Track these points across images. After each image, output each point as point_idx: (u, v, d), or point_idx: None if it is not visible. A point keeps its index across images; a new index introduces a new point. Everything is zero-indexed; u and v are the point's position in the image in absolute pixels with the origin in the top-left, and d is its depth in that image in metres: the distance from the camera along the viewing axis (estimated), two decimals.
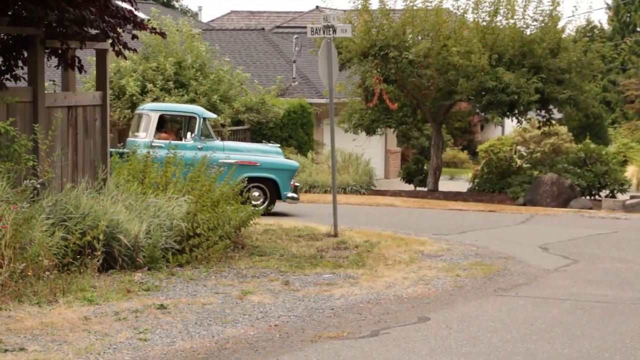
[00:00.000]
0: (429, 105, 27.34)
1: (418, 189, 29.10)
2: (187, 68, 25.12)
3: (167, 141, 18.84)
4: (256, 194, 19.10)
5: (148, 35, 21.35)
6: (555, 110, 28.59)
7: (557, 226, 19.35)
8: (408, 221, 19.44)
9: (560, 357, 7.76)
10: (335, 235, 14.81)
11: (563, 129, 35.93)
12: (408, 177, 29.90)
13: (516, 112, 26.75)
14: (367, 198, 25.61)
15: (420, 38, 26.61)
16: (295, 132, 29.80)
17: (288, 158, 22.66)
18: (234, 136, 27.88)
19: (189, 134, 19.19)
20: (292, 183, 19.35)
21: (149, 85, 24.61)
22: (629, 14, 61.28)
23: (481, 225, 18.94)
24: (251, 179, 18.81)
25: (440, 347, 8.06)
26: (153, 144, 18.94)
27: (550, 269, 12.91)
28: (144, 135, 19.13)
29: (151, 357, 7.53)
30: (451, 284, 11.32)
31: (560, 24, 26.75)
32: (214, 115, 20.38)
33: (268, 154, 19.77)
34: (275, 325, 8.78)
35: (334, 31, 15.53)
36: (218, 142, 19.46)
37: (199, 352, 7.75)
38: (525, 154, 31.34)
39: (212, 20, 49.63)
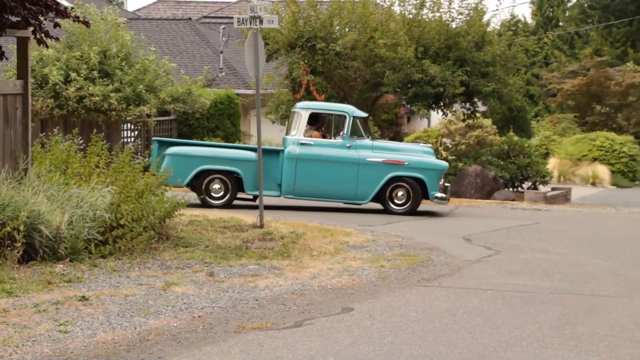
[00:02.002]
0: (355, 96, 27.44)
1: None
2: (112, 57, 24.80)
3: (317, 139, 19.10)
4: (400, 193, 19.06)
5: (72, 23, 21.01)
6: (479, 103, 28.92)
7: (480, 217, 19.60)
8: (334, 212, 19.49)
9: (480, 346, 7.87)
10: (261, 226, 14.79)
11: (487, 122, 36.34)
12: None
13: (441, 104, 27.01)
14: None
15: (347, 30, 26.69)
16: (222, 123, 29.65)
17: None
18: (160, 126, 27.65)
19: (341, 132, 19.21)
20: (441, 183, 19.16)
21: (73, 74, 24.26)
22: (551, 9, 62.26)
23: (406, 217, 19.08)
24: (397, 178, 18.95)
25: (363, 337, 8.11)
26: (301, 142, 19.14)
27: (472, 259, 13.08)
28: (294, 133, 19.34)
29: (71, 349, 7.45)
30: (375, 275, 11.39)
31: (485, 18, 27.08)
32: (364, 114, 20.33)
33: (417, 154, 19.59)
34: (199, 317, 8.74)
35: (261, 22, 15.49)
36: (367, 141, 19.34)
37: (120, 343, 7.69)
38: (450, 145, 31.63)
39: (138, 10, 49.13)
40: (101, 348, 7.52)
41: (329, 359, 7.33)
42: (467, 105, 28.03)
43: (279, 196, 19.21)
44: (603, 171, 36.00)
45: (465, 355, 7.51)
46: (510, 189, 26.77)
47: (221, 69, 33.42)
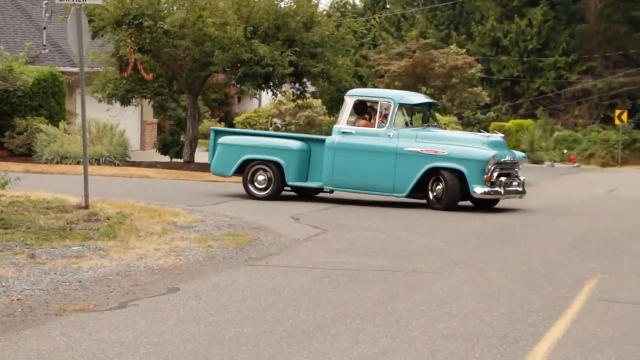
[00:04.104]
0: (185, 76, 27.21)
1: (174, 160, 28.98)
2: None
3: (359, 128, 17.97)
4: (439, 186, 17.48)
5: None
6: (309, 84, 29.20)
7: (310, 197, 19.78)
8: (162, 193, 19.31)
9: (304, 323, 7.95)
10: (87, 207, 14.48)
11: (317, 102, 36.78)
12: (164, 149, 29.71)
13: (271, 84, 27.13)
14: (122, 169, 25.25)
15: (175, 8, 26.41)
16: (46, 101, 28.83)
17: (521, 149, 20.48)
18: None
19: (384, 121, 17.97)
20: (487, 176, 17.27)
21: None
22: None
23: (236, 196, 19.09)
24: (437, 170, 17.46)
25: (188, 317, 8.06)
26: (342, 131, 18.00)
27: (300, 238, 13.20)
28: (339, 121, 18.34)
29: None
30: (203, 255, 11.34)
31: None
32: (416, 101, 18.86)
33: (464, 143, 17.79)
34: (18, 300, 8.47)
35: None
36: (410, 130, 18.06)
37: None
38: (280, 126, 31.87)
39: None
40: None
41: (153, 339, 7.25)
42: (297, 85, 28.25)
43: (322, 187, 18.47)
44: None
45: (290, 333, 7.58)
46: None
47: (44, 45, 32.42)
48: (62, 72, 30.07)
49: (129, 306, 8.44)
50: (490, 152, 17.54)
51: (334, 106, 38.78)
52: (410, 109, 18.74)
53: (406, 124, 18.45)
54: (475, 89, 45.52)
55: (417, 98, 19.43)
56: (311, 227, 14.42)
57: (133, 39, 25.63)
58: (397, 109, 18.07)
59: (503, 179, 17.56)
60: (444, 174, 17.40)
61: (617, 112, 49.21)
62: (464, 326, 8.02)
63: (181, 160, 28.27)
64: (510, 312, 8.64)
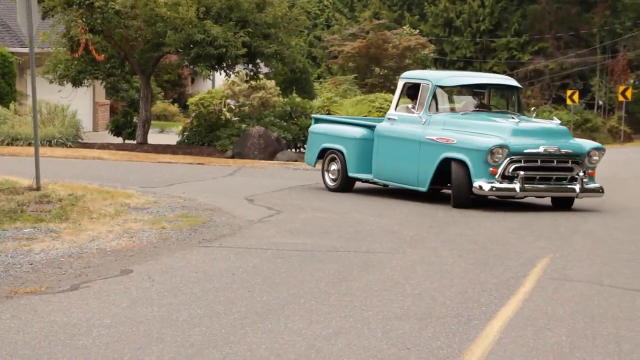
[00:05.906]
0: (137, 57, 26.98)
1: (127, 141, 28.79)
2: None
3: (401, 113, 16.54)
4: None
5: None
6: (262, 65, 29.08)
7: (263, 178, 19.80)
8: (115, 174, 19.17)
9: (258, 304, 7.95)
10: (38, 188, 14.35)
11: (270, 83, 36.67)
12: (117, 130, 29.50)
13: (224, 65, 26.98)
14: (74, 151, 25.03)
15: None
16: None
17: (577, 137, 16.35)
18: None
19: (421, 105, 16.23)
20: (493, 168, 14.95)
21: None
22: None
23: (189, 178, 19.02)
24: (449, 160, 15.34)
25: (141, 299, 8.03)
26: (388, 117, 16.76)
27: (254, 219, 13.19)
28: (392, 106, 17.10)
29: None
30: (156, 237, 11.29)
31: None
32: (460, 83, 16.85)
33: (483, 130, 15.40)
34: None
35: None
36: (441, 116, 16.04)
37: None
38: (234, 107, 31.73)
39: None
40: None
41: (106, 321, 7.22)
42: (250, 66, 28.13)
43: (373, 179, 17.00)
44: None
45: (244, 314, 7.58)
46: (293, 150, 27.15)
47: None
48: (12, 53, 29.72)
49: (81, 288, 8.39)
50: (495, 141, 15.04)
51: (287, 87, 38.72)
52: (443, 91, 16.81)
53: (451, 109, 16.72)
54: (429, 69, 45.69)
55: (465, 79, 17.23)
56: (265, 209, 14.41)
57: (84, 19, 25.33)
58: (436, 92, 16.28)
59: (522, 172, 15.03)
60: (452, 165, 15.35)
61: (569, 92, 49.70)
62: (417, 306, 8.07)
63: (134, 142, 28.08)
64: (463, 292, 8.72)
